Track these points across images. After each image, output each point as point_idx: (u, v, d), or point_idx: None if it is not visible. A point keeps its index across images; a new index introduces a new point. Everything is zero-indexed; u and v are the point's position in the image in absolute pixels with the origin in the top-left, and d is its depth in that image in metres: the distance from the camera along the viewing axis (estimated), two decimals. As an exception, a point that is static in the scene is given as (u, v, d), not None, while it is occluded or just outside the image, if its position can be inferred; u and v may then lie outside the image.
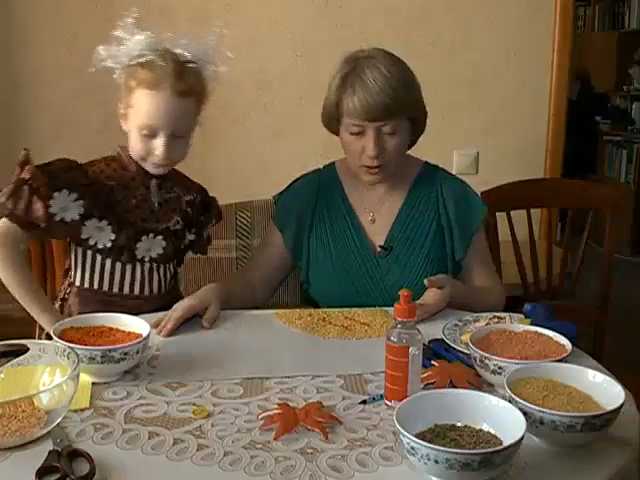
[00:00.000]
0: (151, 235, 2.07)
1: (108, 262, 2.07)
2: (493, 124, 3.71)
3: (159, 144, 1.96)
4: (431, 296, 2.03)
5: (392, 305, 1.54)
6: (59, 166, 1.98)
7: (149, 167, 2.03)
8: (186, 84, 1.93)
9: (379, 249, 2.24)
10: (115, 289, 2.10)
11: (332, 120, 2.20)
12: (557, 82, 3.73)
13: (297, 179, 2.38)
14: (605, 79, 7.14)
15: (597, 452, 1.35)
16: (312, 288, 2.30)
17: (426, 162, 2.34)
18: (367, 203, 2.29)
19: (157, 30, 3.32)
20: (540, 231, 3.66)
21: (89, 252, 2.07)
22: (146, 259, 2.10)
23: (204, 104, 2.05)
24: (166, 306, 2.00)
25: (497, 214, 2.78)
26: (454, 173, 3.42)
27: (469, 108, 3.70)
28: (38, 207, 1.92)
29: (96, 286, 2.10)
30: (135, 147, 2.00)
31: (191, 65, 1.96)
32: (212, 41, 1.98)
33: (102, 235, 2.02)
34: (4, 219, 1.95)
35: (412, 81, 2.16)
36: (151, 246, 2.09)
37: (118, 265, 2.08)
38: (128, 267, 2.08)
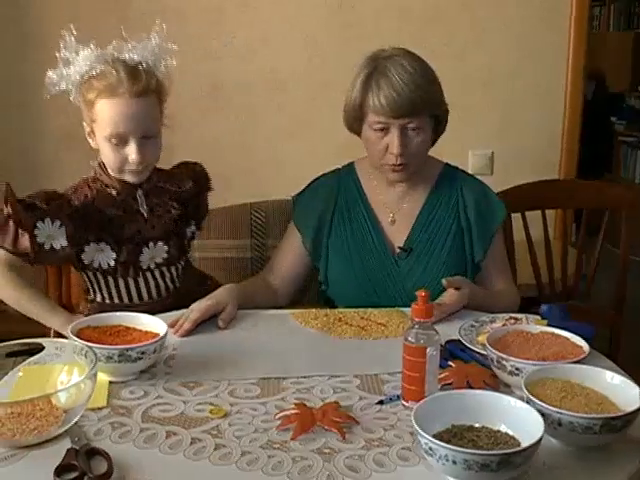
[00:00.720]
0: (151, 244, 2.08)
1: (119, 279, 2.10)
2: (508, 124, 3.70)
3: (132, 149, 1.95)
4: (448, 296, 2.03)
5: (410, 306, 1.54)
6: (40, 197, 1.97)
7: (128, 177, 2.02)
8: (141, 84, 1.93)
9: (398, 250, 2.24)
10: (133, 299, 2.13)
11: (355, 120, 2.19)
12: (572, 82, 3.71)
13: (316, 179, 2.37)
14: (620, 79, 7.11)
15: (615, 454, 1.35)
16: (330, 289, 2.30)
17: (447, 163, 2.34)
18: (387, 204, 2.28)
19: (172, 31, 3.35)
20: (555, 232, 3.64)
21: (97, 273, 2.09)
22: (152, 266, 2.11)
23: (164, 101, 2.04)
24: (186, 293, 2.06)
25: (512, 215, 2.77)
26: (469, 174, 3.44)
27: (484, 108, 3.68)
28: (25, 239, 1.93)
29: (116, 300, 2.13)
30: (109, 160, 1.99)
31: (142, 66, 1.96)
32: (155, 38, 1.99)
33: (103, 256, 2.04)
34: None
35: (434, 79, 2.16)
36: (154, 254, 2.09)
37: (129, 279, 2.10)
38: (139, 279, 2.11)
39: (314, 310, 2.10)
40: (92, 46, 1.94)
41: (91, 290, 2.14)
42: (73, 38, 1.92)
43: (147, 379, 1.66)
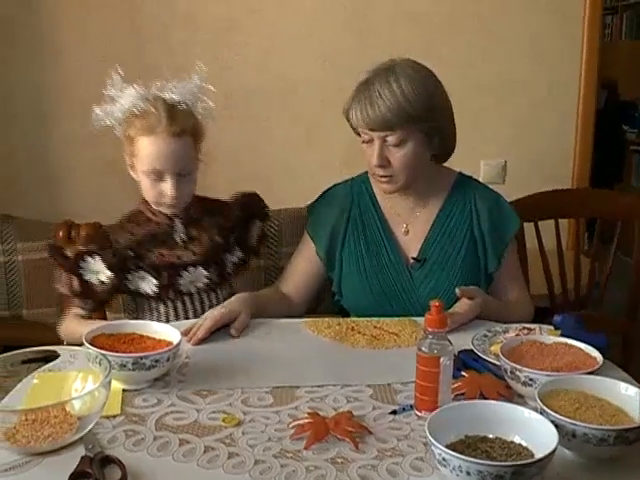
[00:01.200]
0: (191, 268, 2.13)
1: (160, 303, 2.15)
2: (520, 134, 3.69)
3: (167, 186, 2.04)
4: (461, 306, 2.03)
5: (424, 316, 1.54)
6: (82, 238, 2.15)
7: (164, 209, 2.11)
8: (179, 125, 2.01)
9: (412, 260, 2.24)
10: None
11: (350, 126, 2.21)
12: (585, 92, 3.71)
13: (329, 188, 2.38)
14: (632, 88, 7.09)
15: (630, 466, 1.35)
16: (344, 299, 2.29)
17: (460, 172, 2.33)
18: (400, 214, 2.28)
19: (182, 39, 3.36)
20: (568, 241, 3.64)
21: (143, 299, 2.16)
22: (192, 290, 2.16)
23: (201, 141, 2.12)
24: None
25: (525, 224, 2.76)
26: (481, 183, 3.43)
27: (496, 118, 3.68)
28: (74, 282, 2.05)
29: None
30: (148, 193, 2.09)
31: (181, 106, 2.04)
32: (195, 79, 2.07)
33: (145, 283, 2.11)
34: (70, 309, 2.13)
35: (427, 95, 2.11)
36: (195, 278, 2.14)
37: (169, 303, 2.15)
38: (178, 303, 2.16)
39: (327, 319, 2.10)
40: (136, 85, 2.03)
41: (135, 315, 2.20)
42: (119, 77, 2.01)
43: (161, 387, 1.67)
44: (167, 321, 2.13)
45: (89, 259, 2.05)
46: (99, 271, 2.06)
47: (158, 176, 2.03)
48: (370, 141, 2.13)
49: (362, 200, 2.31)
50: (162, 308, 2.16)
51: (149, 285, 2.11)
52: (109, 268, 2.06)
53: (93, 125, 2.06)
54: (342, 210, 2.30)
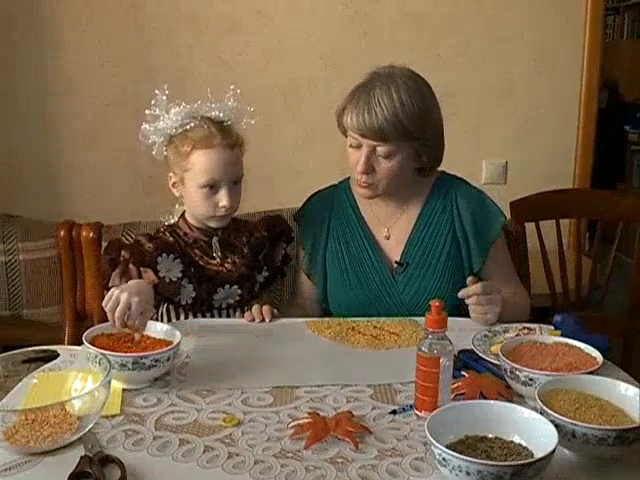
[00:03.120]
0: (227, 286, 2.16)
1: (190, 315, 2.17)
2: (522, 134, 3.69)
3: (223, 194, 2.09)
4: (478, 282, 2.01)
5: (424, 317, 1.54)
6: (144, 240, 2.13)
7: (214, 222, 2.15)
8: (231, 138, 2.11)
9: (395, 265, 2.23)
10: None
11: (339, 126, 2.20)
12: (587, 92, 3.71)
13: (312, 196, 2.39)
14: (634, 88, 7.09)
15: (629, 466, 1.35)
16: (330, 306, 2.30)
17: (442, 172, 2.31)
18: (381, 218, 2.28)
19: (185, 40, 3.36)
20: (569, 241, 3.64)
21: (172, 307, 2.18)
22: (224, 306, 2.19)
23: (243, 154, 2.19)
24: None
25: (526, 224, 2.76)
26: (482, 183, 3.45)
27: (498, 118, 3.68)
28: (150, 274, 2.07)
29: None
30: (199, 206, 2.12)
31: (227, 123, 2.12)
32: (230, 100, 2.14)
33: (185, 292, 2.13)
34: None
35: (425, 113, 2.11)
36: (228, 295, 2.18)
37: (199, 315, 2.17)
38: (207, 316, 2.18)
39: (327, 319, 2.11)
40: (184, 104, 2.10)
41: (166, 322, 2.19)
42: (165, 97, 2.07)
43: (161, 387, 1.67)
44: None
45: (165, 255, 2.10)
46: (171, 269, 2.11)
47: (214, 187, 2.08)
48: (358, 146, 2.12)
49: (343, 206, 2.31)
50: (191, 317, 2.17)
51: (187, 296, 2.13)
52: (183, 267, 2.11)
53: (140, 142, 2.11)
54: (323, 216, 2.31)
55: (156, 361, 1.63)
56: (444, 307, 1.53)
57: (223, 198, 2.09)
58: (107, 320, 1.76)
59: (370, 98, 2.07)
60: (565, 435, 1.32)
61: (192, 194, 2.11)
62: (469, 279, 2.02)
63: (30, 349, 1.59)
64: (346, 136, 2.18)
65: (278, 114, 3.67)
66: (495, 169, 3.71)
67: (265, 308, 2.10)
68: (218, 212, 2.11)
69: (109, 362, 1.51)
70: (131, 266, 2.06)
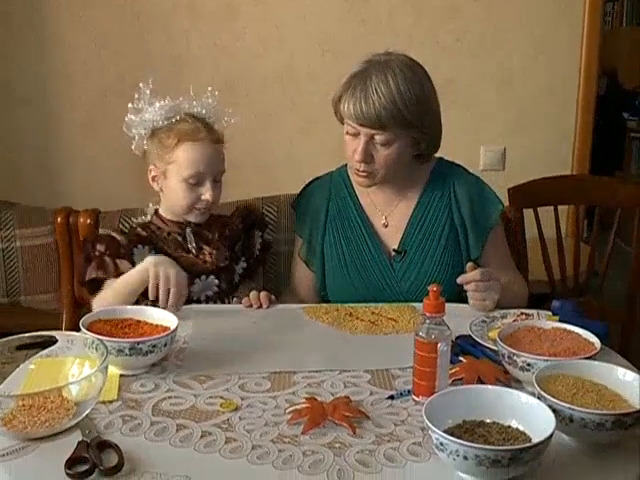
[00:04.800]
0: (203, 277, 2.16)
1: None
2: (520, 120, 3.68)
3: (207, 189, 2.12)
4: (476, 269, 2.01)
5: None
6: (115, 234, 2.16)
7: (194, 217, 2.17)
8: (216, 133, 2.15)
9: (393, 253, 2.23)
10: None
11: (336, 114, 2.19)
12: (585, 79, 3.70)
13: (309, 184, 2.39)
14: (633, 75, 7.08)
15: (626, 451, 1.35)
16: (329, 294, 2.29)
17: (440, 158, 2.30)
18: (379, 206, 2.27)
19: (182, 27, 3.36)
20: (567, 228, 3.63)
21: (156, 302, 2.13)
22: (202, 298, 2.18)
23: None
24: None
25: (524, 211, 2.76)
26: (481, 169, 3.44)
27: (496, 104, 3.67)
28: (125, 265, 2.09)
29: None
30: (180, 200, 2.14)
31: (210, 119, 2.17)
32: (209, 98, 2.18)
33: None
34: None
35: (422, 100, 2.09)
36: (205, 287, 2.17)
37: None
38: None
39: (325, 305, 2.11)
40: (169, 99, 2.14)
41: None
42: (148, 91, 2.10)
43: (158, 372, 1.67)
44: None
45: (140, 247, 2.13)
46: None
47: (198, 180, 2.10)
48: (355, 135, 2.11)
49: (340, 194, 2.31)
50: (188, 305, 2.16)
51: None
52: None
53: (125, 132, 2.15)
54: (320, 203, 2.31)
55: (153, 347, 1.63)
56: (442, 293, 1.53)
57: (206, 192, 2.12)
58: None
59: (367, 86, 2.05)
60: (563, 420, 1.32)
61: (175, 187, 2.13)
62: (468, 265, 2.02)
63: (27, 335, 1.59)
64: (343, 124, 2.17)
65: (276, 101, 3.67)
66: (493, 156, 3.70)
67: (263, 294, 2.09)
68: (200, 205, 2.13)
69: (106, 348, 1.51)
70: (107, 259, 2.09)
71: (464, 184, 2.24)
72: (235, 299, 2.16)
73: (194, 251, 2.19)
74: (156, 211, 2.24)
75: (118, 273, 2.07)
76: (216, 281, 2.18)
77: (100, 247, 2.10)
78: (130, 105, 2.13)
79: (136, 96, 2.12)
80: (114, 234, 2.16)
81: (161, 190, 2.18)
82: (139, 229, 2.20)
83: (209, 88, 2.17)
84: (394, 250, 2.23)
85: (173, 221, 2.20)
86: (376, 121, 2.05)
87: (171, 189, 2.14)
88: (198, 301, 2.16)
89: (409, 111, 2.06)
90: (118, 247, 2.10)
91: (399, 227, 2.24)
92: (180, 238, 2.19)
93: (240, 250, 2.26)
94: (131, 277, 2.03)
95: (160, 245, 2.16)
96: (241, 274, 2.26)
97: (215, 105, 2.18)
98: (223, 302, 2.20)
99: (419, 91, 2.08)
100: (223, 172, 2.18)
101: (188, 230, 2.19)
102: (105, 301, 2.02)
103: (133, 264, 2.08)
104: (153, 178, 2.17)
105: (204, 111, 2.17)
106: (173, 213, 2.19)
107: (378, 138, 2.09)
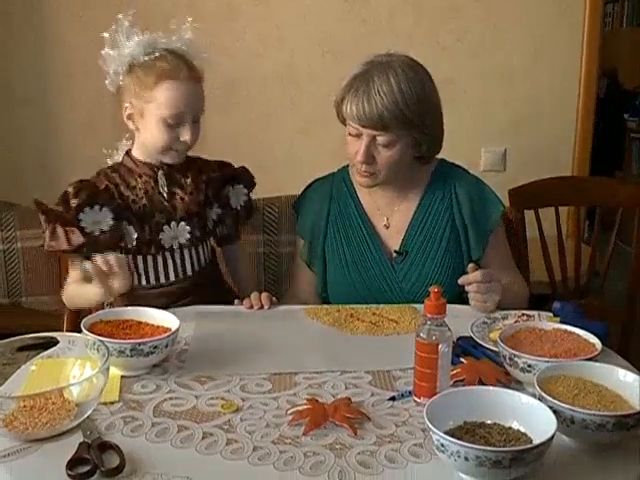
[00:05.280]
0: (173, 223, 2.11)
1: (140, 259, 2.12)
2: (521, 121, 3.68)
3: (186, 130, 2.05)
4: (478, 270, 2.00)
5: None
6: (71, 194, 2.04)
7: (170, 158, 2.10)
8: (197, 72, 2.08)
9: (394, 254, 2.23)
10: (160, 279, 2.15)
11: (339, 116, 2.19)
12: (585, 79, 3.70)
13: (310, 185, 2.39)
14: (633, 76, 7.08)
15: (628, 452, 1.35)
16: (329, 295, 2.29)
17: (442, 160, 2.30)
18: (380, 207, 2.27)
19: (185, 26, 3.34)
20: (568, 229, 3.64)
21: (124, 253, 2.09)
22: (175, 247, 2.13)
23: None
24: (207, 281, 2.16)
25: (525, 211, 2.76)
26: (481, 170, 3.44)
27: (497, 105, 3.67)
28: (76, 234, 2.01)
29: (143, 281, 2.14)
30: (157, 140, 2.06)
31: (189, 56, 2.09)
32: (187, 33, 2.12)
33: (127, 236, 2.08)
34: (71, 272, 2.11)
35: (424, 101, 2.09)
36: (176, 234, 2.13)
37: (149, 259, 2.12)
38: (159, 258, 2.13)
39: (326, 306, 2.11)
40: (142, 34, 2.05)
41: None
42: (127, 23, 2.03)
43: (159, 373, 1.67)
44: (147, 279, 2.13)
45: (87, 210, 2.03)
46: (100, 220, 2.04)
47: (177, 120, 2.04)
48: (357, 135, 2.11)
49: (342, 195, 2.31)
50: (141, 265, 2.13)
51: (130, 238, 2.09)
52: (113, 214, 2.05)
53: (101, 65, 2.08)
54: (322, 204, 2.31)
55: (154, 348, 1.63)
56: (443, 295, 1.53)
57: (185, 133, 2.05)
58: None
59: (369, 88, 2.05)
60: (564, 421, 1.32)
61: (152, 127, 2.05)
62: (469, 266, 2.01)
63: (28, 336, 1.59)
64: (345, 125, 2.17)
65: (276, 101, 3.67)
66: (494, 156, 3.70)
67: (264, 295, 2.09)
68: (177, 146, 2.07)
69: (107, 349, 1.51)
70: (58, 229, 2.01)
71: (465, 185, 2.24)
72: (236, 301, 2.15)
73: (165, 195, 2.12)
74: (128, 152, 2.16)
75: (70, 244, 2.00)
76: (187, 227, 2.13)
77: (46, 218, 2.02)
78: (106, 35, 2.05)
79: (113, 27, 2.04)
80: (71, 191, 2.04)
81: (137, 129, 2.10)
82: (107, 174, 2.13)
83: (189, 19, 2.11)
84: (395, 251, 2.23)
85: (145, 163, 2.13)
86: (378, 122, 2.05)
87: (148, 129, 2.07)
88: (171, 249, 2.13)
89: (410, 110, 2.06)
90: (63, 218, 2.00)
91: (400, 228, 2.24)
92: (152, 181, 2.12)
93: (212, 196, 2.21)
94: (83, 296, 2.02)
95: (123, 192, 2.09)
96: (215, 220, 2.23)
97: (193, 39, 2.12)
98: (196, 250, 2.17)
99: (420, 90, 2.08)
100: (202, 112, 2.11)
101: (160, 173, 2.13)
102: (71, 298, 2.10)
103: (83, 230, 2.01)
104: (129, 116, 2.09)
105: (184, 47, 2.10)
106: (147, 154, 2.12)
107: (380, 139, 2.08)
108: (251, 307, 2.07)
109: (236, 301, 2.15)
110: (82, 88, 3.61)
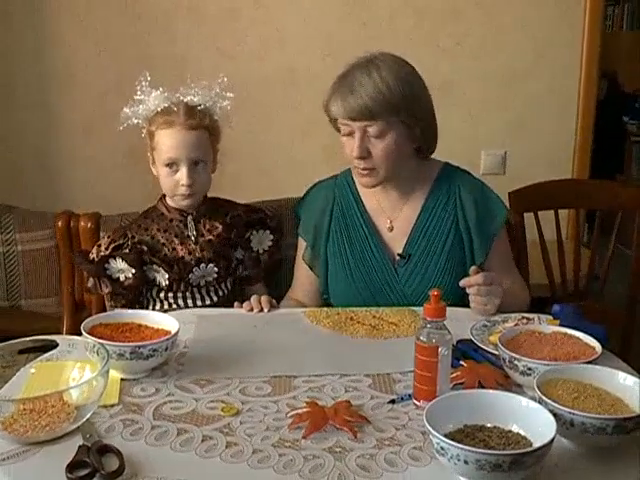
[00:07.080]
0: (202, 265, 2.22)
1: (170, 294, 2.25)
2: (521, 124, 3.68)
3: (182, 174, 2.16)
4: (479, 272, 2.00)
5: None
6: (102, 245, 2.24)
7: (179, 201, 2.23)
8: (195, 120, 2.17)
9: (397, 257, 2.22)
10: (175, 308, 2.26)
11: (330, 120, 2.20)
12: (586, 82, 3.70)
13: (312, 187, 2.39)
14: (633, 79, 7.07)
15: (627, 455, 1.35)
16: (331, 297, 2.29)
17: (446, 163, 2.30)
18: (384, 209, 2.27)
19: (183, 29, 3.36)
20: (568, 232, 3.63)
21: (156, 288, 2.26)
22: (202, 284, 2.25)
23: (217, 140, 2.28)
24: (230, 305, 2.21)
25: (525, 214, 2.76)
26: (481, 173, 3.44)
27: (497, 108, 3.66)
28: (104, 288, 2.24)
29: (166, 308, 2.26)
30: (164, 185, 2.22)
31: (200, 107, 2.20)
32: (216, 88, 2.23)
33: (159, 275, 2.23)
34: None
35: (407, 82, 2.09)
36: (204, 273, 2.24)
37: (179, 294, 2.25)
38: (188, 293, 2.26)
39: (326, 309, 2.11)
40: (161, 89, 2.19)
41: (150, 301, 2.29)
42: (147, 83, 2.17)
43: (159, 376, 1.67)
44: (177, 309, 2.23)
45: (111, 261, 2.20)
46: (123, 269, 2.20)
47: (174, 166, 2.16)
48: (350, 134, 2.11)
49: (345, 197, 2.30)
50: (171, 298, 2.26)
51: (162, 277, 2.22)
52: (130, 265, 2.19)
53: (120, 123, 2.18)
54: (324, 208, 2.31)
55: (154, 351, 1.63)
56: (446, 299, 1.53)
57: (183, 177, 2.16)
58: (105, 310, 1.77)
59: (352, 82, 2.08)
60: (564, 424, 1.32)
61: (159, 172, 2.21)
62: (472, 269, 2.01)
63: (28, 339, 1.59)
64: (338, 130, 2.18)
65: (277, 104, 3.66)
66: (494, 159, 3.70)
67: (264, 298, 2.10)
68: (179, 190, 2.19)
69: (107, 352, 1.51)
70: (90, 276, 2.24)
71: (469, 189, 2.24)
72: (236, 303, 2.15)
73: (193, 239, 2.23)
74: (162, 197, 2.29)
75: (105, 290, 2.23)
76: (215, 269, 2.24)
77: (86, 266, 2.24)
78: (136, 97, 2.18)
79: (138, 88, 2.17)
80: (103, 243, 2.24)
81: (157, 175, 2.24)
82: (134, 226, 2.26)
83: (221, 75, 2.20)
84: (398, 254, 2.22)
85: (175, 208, 2.25)
86: (365, 111, 2.05)
87: (158, 174, 2.23)
88: (199, 287, 2.25)
89: (394, 94, 2.06)
90: (94, 272, 2.22)
91: (404, 231, 2.24)
92: (182, 225, 2.24)
93: (235, 237, 2.29)
94: None
95: (155, 236, 2.23)
96: (239, 260, 2.31)
97: (217, 92, 2.22)
98: (220, 285, 2.27)
99: (403, 76, 2.09)
100: (206, 158, 2.20)
101: (190, 218, 2.25)
102: None
103: (110, 278, 2.20)
104: (151, 164, 2.26)
105: (196, 98, 2.19)
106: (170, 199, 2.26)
107: (371, 130, 2.08)
108: (251, 310, 2.08)
109: (236, 304, 2.15)
110: (82, 89, 3.61)
